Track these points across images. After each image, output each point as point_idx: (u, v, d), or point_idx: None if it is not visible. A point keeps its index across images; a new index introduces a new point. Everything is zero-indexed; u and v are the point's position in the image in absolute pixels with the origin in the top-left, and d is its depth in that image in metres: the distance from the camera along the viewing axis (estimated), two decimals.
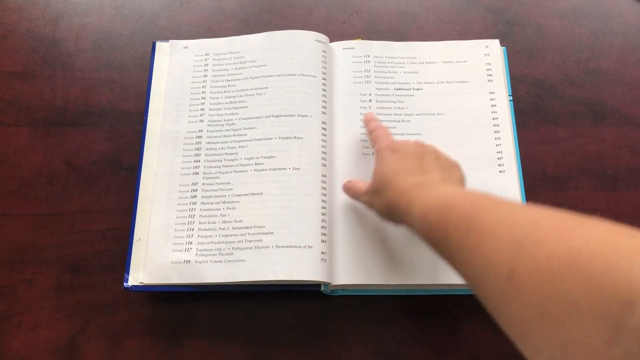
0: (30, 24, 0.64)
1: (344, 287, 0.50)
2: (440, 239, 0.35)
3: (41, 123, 0.59)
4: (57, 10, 0.64)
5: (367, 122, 0.53)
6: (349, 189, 0.50)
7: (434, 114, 0.56)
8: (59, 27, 0.64)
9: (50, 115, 0.59)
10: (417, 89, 0.57)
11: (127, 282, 0.49)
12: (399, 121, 0.55)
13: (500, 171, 0.53)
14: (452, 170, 0.44)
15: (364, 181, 0.48)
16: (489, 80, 0.57)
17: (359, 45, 0.59)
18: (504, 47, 0.59)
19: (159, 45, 0.59)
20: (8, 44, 0.63)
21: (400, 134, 0.55)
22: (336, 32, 0.62)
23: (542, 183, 0.56)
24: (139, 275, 0.49)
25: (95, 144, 0.58)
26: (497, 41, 0.59)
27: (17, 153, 0.58)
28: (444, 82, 0.57)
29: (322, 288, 0.49)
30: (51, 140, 0.58)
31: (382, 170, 0.44)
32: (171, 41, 0.59)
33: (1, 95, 0.60)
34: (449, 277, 0.49)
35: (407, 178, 0.42)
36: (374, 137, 0.50)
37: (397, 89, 0.57)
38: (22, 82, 0.61)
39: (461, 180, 0.44)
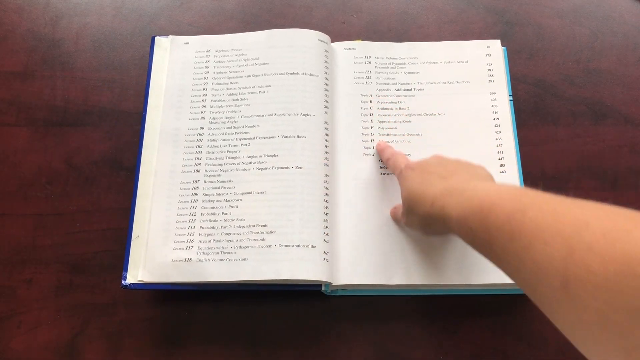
0: (30, 24, 0.64)
1: (344, 287, 0.50)
2: (483, 243, 0.34)
3: (41, 123, 0.59)
4: (57, 10, 0.64)
5: (381, 151, 0.53)
6: (394, 215, 0.51)
7: (435, 115, 0.56)
8: (59, 27, 0.63)
9: (50, 115, 0.59)
10: (418, 90, 0.57)
11: (125, 280, 0.49)
12: (400, 122, 0.55)
13: (501, 171, 0.53)
14: (477, 169, 0.43)
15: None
16: (490, 81, 0.57)
17: (359, 46, 0.59)
18: (504, 47, 0.59)
19: (158, 40, 0.59)
20: (8, 44, 0.63)
21: (401, 134, 0.55)
22: (336, 32, 0.62)
23: (541, 183, 0.56)
24: (137, 273, 0.49)
25: (95, 144, 0.58)
26: (498, 41, 0.59)
27: (17, 153, 0.58)
28: (445, 83, 0.57)
29: (323, 288, 0.49)
30: (51, 140, 0.58)
31: (408, 189, 0.44)
32: (171, 37, 0.59)
33: (1, 95, 0.60)
34: (449, 277, 0.49)
35: (434, 186, 0.41)
36: (392, 163, 0.50)
37: (398, 89, 0.57)
38: (22, 82, 0.61)
39: (489, 177, 0.42)
